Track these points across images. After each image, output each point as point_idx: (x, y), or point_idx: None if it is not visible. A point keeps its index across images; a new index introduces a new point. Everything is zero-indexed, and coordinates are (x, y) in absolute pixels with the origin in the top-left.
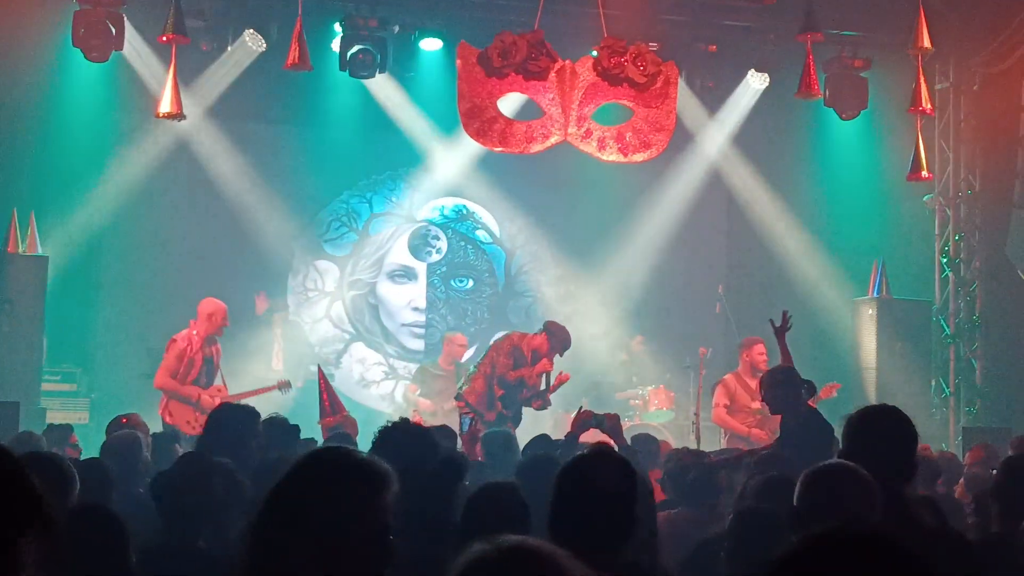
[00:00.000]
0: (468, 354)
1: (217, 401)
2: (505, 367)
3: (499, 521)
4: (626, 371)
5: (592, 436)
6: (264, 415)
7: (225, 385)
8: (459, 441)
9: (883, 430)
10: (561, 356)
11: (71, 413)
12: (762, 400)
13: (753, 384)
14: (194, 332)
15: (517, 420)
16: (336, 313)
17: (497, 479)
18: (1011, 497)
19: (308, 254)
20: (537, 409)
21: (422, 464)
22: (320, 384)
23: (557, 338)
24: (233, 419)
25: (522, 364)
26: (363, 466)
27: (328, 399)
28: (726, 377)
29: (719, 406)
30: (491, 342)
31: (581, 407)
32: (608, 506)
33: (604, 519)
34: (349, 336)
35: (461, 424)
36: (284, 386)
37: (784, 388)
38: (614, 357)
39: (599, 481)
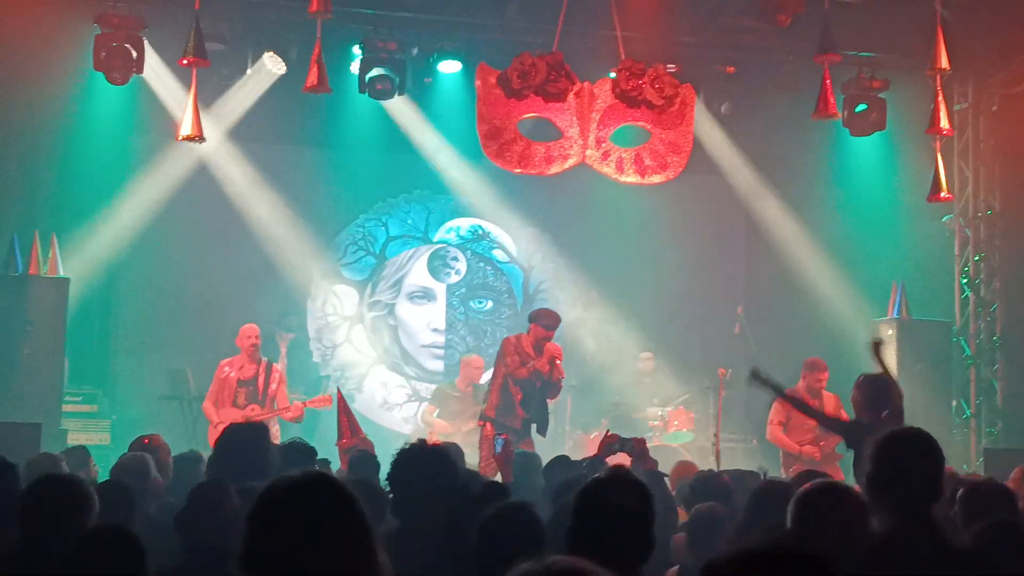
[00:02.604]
0: (486, 376)
1: (242, 417)
2: (515, 365)
3: (515, 542)
4: (646, 391)
5: (620, 460)
6: (284, 438)
7: (266, 408)
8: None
9: (911, 452)
10: (556, 328)
11: (92, 434)
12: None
13: (814, 403)
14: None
15: (544, 424)
16: (357, 337)
17: (516, 500)
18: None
19: (326, 278)
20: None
21: (449, 487)
22: (339, 406)
23: (547, 318)
24: (240, 438)
25: (528, 361)
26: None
27: (347, 421)
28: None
29: (773, 423)
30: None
31: (607, 430)
32: (625, 527)
33: (621, 540)
34: (371, 360)
35: (495, 445)
36: (320, 403)
37: (862, 393)
38: (633, 377)
39: (616, 503)
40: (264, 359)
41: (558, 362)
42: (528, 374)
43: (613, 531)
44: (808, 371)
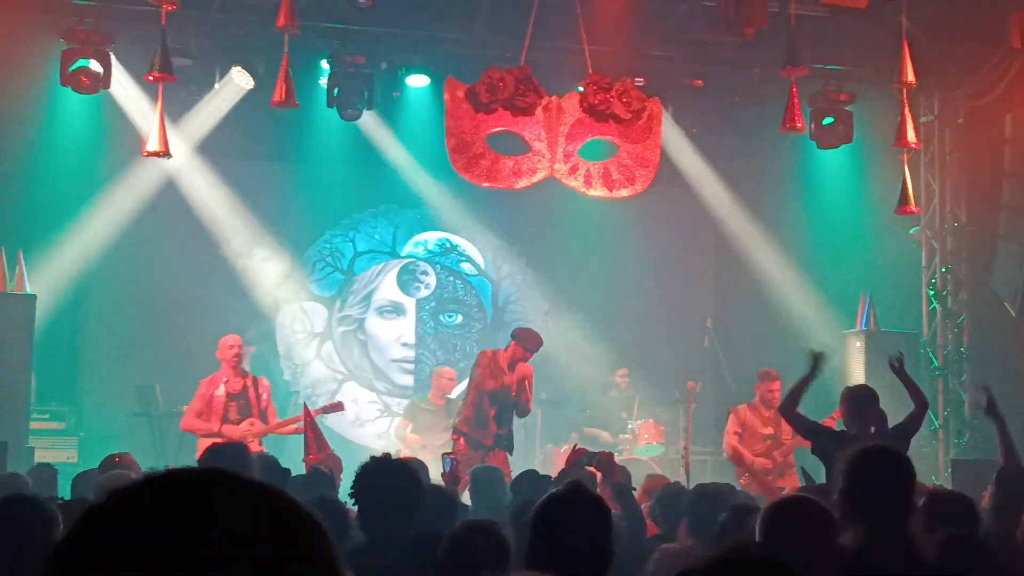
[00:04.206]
0: (458, 389)
1: (244, 432)
2: (483, 377)
3: (480, 560)
4: (615, 406)
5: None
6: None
7: (266, 419)
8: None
9: (881, 467)
10: (535, 352)
11: (60, 452)
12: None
13: (767, 413)
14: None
15: (510, 444)
16: (327, 353)
17: (481, 518)
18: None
19: (295, 295)
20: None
21: (414, 500)
22: (305, 422)
23: (527, 339)
24: (221, 459)
25: (499, 376)
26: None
27: (313, 437)
28: (738, 407)
29: (729, 433)
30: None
31: (575, 444)
32: (583, 542)
33: (579, 555)
34: (341, 376)
35: (443, 464)
36: (332, 409)
37: (847, 406)
38: (603, 391)
39: (573, 518)
40: (250, 373)
41: (527, 384)
42: (496, 387)
43: (571, 546)
44: (760, 382)
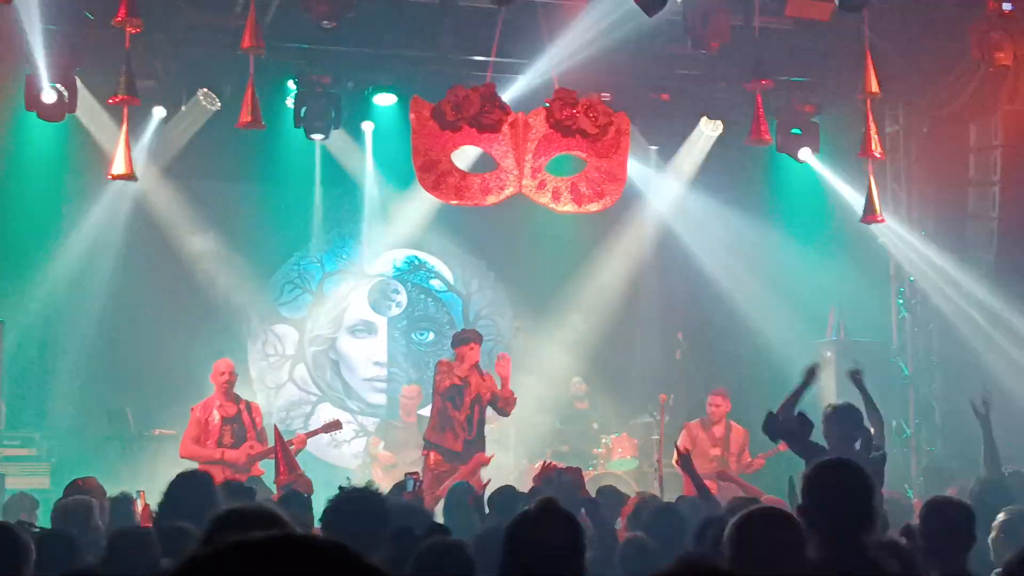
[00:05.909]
0: (425, 408)
1: (243, 455)
2: (441, 382)
3: None
4: (587, 418)
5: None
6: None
7: (262, 441)
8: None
9: (839, 483)
10: (477, 340)
11: (31, 478)
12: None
13: (717, 432)
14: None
15: (480, 440)
16: (300, 375)
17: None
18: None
19: (265, 319)
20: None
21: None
22: (276, 444)
23: (458, 339)
24: (186, 487)
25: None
26: None
27: (283, 459)
28: (690, 423)
29: (680, 450)
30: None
31: (544, 460)
32: (555, 559)
33: (551, 571)
34: (315, 398)
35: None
36: (332, 428)
37: (831, 425)
38: (569, 403)
39: (544, 536)
40: (242, 398)
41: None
42: (452, 385)
43: (543, 563)
44: (708, 396)
